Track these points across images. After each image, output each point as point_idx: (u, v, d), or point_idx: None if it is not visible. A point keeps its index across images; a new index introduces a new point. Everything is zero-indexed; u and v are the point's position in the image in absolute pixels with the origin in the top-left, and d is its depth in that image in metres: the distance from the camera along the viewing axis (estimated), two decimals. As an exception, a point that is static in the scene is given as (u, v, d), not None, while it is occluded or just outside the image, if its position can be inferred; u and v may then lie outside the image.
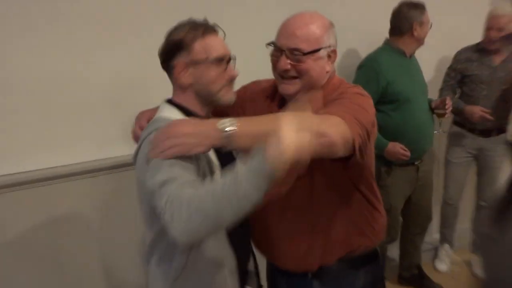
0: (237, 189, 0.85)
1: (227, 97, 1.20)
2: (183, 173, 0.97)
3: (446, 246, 2.84)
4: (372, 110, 1.22)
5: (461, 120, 2.58)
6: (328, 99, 1.23)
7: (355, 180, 1.29)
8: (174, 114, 1.17)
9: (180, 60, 1.17)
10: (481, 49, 2.49)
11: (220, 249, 1.17)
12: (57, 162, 1.70)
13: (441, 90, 2.59)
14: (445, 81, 2.60)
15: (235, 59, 1.21)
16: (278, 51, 1.25)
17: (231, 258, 1.19)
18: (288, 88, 1.26)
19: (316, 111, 1.07)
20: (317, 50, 1.22)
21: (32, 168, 1.66)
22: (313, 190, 1.26)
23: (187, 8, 1.47)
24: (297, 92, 1.25)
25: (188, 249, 1.13)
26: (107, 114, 1.78)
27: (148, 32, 1.68)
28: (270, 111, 1.26)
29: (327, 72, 1.27)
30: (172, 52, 1.18)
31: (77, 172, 1.73)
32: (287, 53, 1.22)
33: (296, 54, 1.22)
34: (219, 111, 1.30)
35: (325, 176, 1.25)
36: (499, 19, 2.37)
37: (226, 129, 0.94)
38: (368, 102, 1.22)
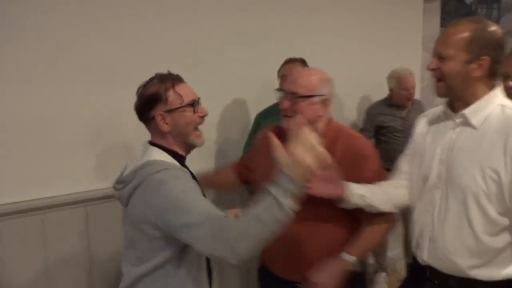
0: (279, 212, 1.05)
1: (199, 140, 1.36)
2: (209, 205, 1.17)
3: (384, 273, 3.19)
4: None
5: None
6: (330, 136, 1.47)
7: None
8: (164, 157, 1.30)
9: (158, 111, 1.30)
10: (390, 104, 2.96)
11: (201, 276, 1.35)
12: (39, 194, 1.80)
13: None
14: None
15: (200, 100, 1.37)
16: (283, 94, 1.50)
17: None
18: (286, 123, 1.49)
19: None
20: (311, 96, 1.45)
21: (24, 199, 1.77)
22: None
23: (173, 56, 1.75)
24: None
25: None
26: (85, 151, 1.91)
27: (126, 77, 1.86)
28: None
29: (319, 116, 1.49)
30: (149, 105, 1.31)
31: (65, 203, 1.84)
32: (287, 95, 1.48)
33: (293, 97, 1.45)
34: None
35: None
36: (411, 78, 2.88)
37: None
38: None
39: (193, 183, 1.26)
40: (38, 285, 1.82)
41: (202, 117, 1.36)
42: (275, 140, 1.13)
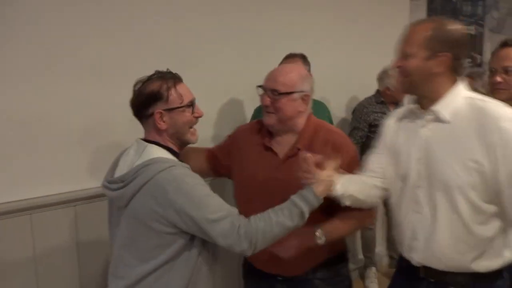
0: (299, 221, 1.30)
1: (194, 137, 1.40)
2: (223, 201, 1.28)
3: (373, 268, 3.24)
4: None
5: None
6: (310, 131, 1.54)
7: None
8: (165, 154, 1.31)
9: (157, 109, 1.31)
10: (381, 101, 2.99)
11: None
12: (28, 194, 1.81)
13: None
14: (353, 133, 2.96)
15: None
16: (264, 90, 1.55)
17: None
18: (267, 119, 1.55)
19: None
20: (291, 93, 1.50)
21: (13, 199, 1.77)
22: None
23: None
24: (274, 123, 1.54)
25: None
26: (73, 151, 1.92)
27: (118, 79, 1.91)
28: (262, 141, 1.56)
29: (299, 111, 1.54)
30: (148, 102, 1.31)
31: (53, 202, 1.85)
32: (268, 92, 1.53)
33: (274, 93, 1.50)
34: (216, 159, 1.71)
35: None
36: None
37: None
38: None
39: (202, 179, 1.30)
40: (28, 285, 1.83)
41: (199, 117, 1.40)
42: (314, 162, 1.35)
